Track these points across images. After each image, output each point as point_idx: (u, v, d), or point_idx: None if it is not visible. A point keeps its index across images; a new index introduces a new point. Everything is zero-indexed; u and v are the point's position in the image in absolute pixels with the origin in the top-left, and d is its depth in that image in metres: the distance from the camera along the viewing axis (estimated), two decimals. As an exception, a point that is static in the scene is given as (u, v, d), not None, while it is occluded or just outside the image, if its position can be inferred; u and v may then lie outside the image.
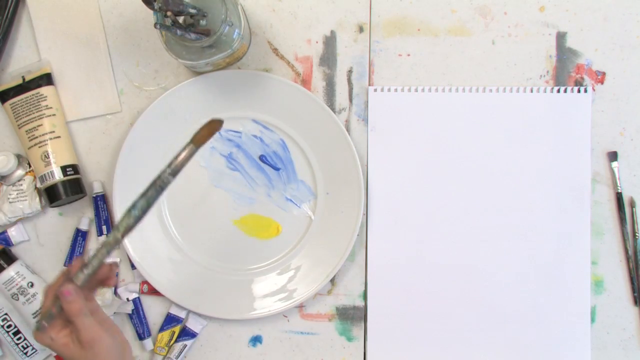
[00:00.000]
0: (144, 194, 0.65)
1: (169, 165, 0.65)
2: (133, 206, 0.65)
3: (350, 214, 0.83)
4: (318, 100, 0.83)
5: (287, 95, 0.83)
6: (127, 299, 0.85)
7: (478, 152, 0.84)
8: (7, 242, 0.85)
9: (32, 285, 0.84)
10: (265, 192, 0.85)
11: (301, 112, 0.83)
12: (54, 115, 0.83)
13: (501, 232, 0.83)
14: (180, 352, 0.84)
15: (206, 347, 0.86)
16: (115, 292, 0.85)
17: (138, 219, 0.64)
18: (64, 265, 0.85)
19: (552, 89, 0.83)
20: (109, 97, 0.86)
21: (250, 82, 0.83)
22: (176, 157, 0.66)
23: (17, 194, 0.83)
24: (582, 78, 0.84)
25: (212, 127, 0.67)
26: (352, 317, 0.85)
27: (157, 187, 0.65)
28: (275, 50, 0.85)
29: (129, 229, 0.64)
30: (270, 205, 0.85)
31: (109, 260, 0.65)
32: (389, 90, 0.84)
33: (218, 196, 0.85)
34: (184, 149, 0.66)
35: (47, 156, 0.82)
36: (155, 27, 0.71)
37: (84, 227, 0.85)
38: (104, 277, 0.69)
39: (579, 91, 0.83)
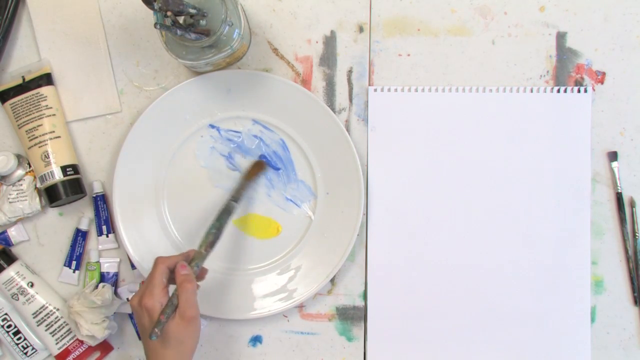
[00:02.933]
0: (217, 218, 0.78)
1: (232, 195, 0.81)
2: (211, 227, 0.77)
3: (350, 214, 0.83)
4: (318, 100, 0.83)
5: (287, 95, 0.83)
6: (127, 299, 0.85)
7: (478, 152, 0.84)
8: (7, 242, 0.85)
9: (32, 285, 0.84)
10: (265, 192, 0.85)
11: (301, 112, 0.83)
12: (54, 115, 0.83)
13: (501, 232, 0.83)
14: (180, 352, 0.84)
15: (206, 347, 0.86)
16: (116, 292, 0.85)
17: (216, 235, 0.77)
18: (65, 265, 0.85)
19: (552, 89, 0.83)
20: (109, 97, 0.86)
21: (250, 82, 0.83)
22: (236, 189, 0.81)
23: (17, 194, 0.83)
24: (582, 78, 0.84)
25: (260, 166, 0.84)
26: (352, 317, 0.85)
27: (226, 212, 0.79)
28: (275, 50, 0.85)
29: (210, 245, 0.76)
30: (270, 205, 0.85)
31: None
32: (389, 90, 0.84)
33: (218, 196, 0.84)
34: (239, 182, 0.82)
35: (47, 156, 0.82)
36: (155, 27, 0.71)
37: (84, 227, 0.85)
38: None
39: (579, 91, 0.83)
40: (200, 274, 0.77)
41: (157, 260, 0.74)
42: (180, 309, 0.71)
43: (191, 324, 0.71)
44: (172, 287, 0.74)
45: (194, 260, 0.75)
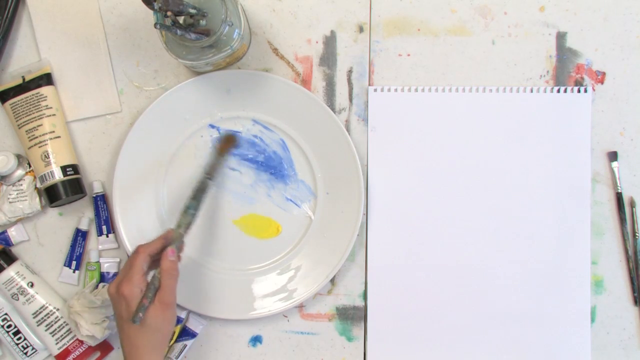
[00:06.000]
0: (192, 197, 0.78)
1: (206, 172, 0.80)
2: (187, 207, 0.77)
3: (350, 214, 0.83)
4: (318, 100, 0.83)
5: (287, 95, 0.83)
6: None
7: (478, 152, 0.84)
8: (7, 242, 0.85)
9: (32, 285, 0.84)
10: (265, 192, 0.85)
11: (301, 112, 0.83)
12: (54, 115, 0.83)
13: (501, 231, 0.83)
14: (180, 352, 0.84)
15: (206, 347, 0.86)
16: (115, 292, 0.85)
17: (193, 215, 0.77)
18: (65, 265, 0.85)
19: (552, 89, 0.83)
20: (109, 97, 0.86)
21: (250, 82, 0.83)
22: (209, 166, 0.81)
23: (17, 194, 0.83)
24: (582, 78, 0.84)
25: (230, 141, 0.83)
26: (352, 317, 0.85)
27: (201, 190, 0.78)
28: (275, 50, 0.85)
29: (188, 225, 0.77)
30: (270, 205, 0.85)
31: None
32: (389, 90, 0.84)
33: (218, 196, 0.85)
34: (212, 158, 0.82)
35: (47, 156, 0.82)
36: (155, 27, 0.71)
37: (84, 227, 0.85)
38: None
39: (579, 91, 0.83)
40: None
41: (138, 248, 0.74)
42: (161, 294, 0.71)
43: (169, 310, 0.72)
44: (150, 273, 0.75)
45: (174, 241, 0.75)
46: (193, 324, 0.84)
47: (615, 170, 0.83)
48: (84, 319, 0.81)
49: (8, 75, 0.85)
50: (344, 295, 0.85)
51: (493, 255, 0.83)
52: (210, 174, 0.80)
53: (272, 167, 0.84)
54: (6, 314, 0.84)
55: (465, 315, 0.83)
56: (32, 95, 0.83)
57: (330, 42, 0.85)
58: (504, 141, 0.83)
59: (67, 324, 0.84)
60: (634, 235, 0.83)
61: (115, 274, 0.85)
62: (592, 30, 0.84)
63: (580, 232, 0.83)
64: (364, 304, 0.85)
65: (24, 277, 0.84)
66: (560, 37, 0.84)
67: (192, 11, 0.72)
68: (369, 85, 0.85)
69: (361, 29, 0.85)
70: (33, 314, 0.83)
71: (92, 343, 0.83)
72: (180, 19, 0.73)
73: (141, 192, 0.84)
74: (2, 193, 0.84)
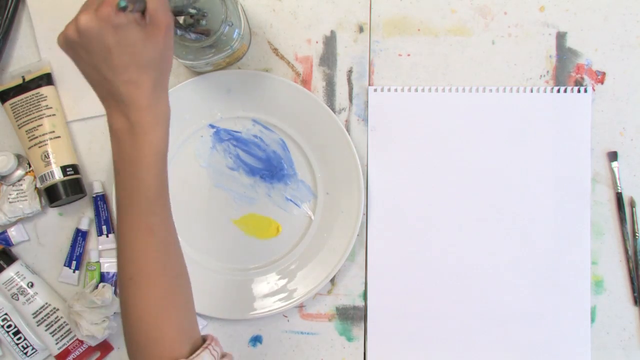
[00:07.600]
0: None
1: None
2: None
3: (350, 214, 0.83)
4: (318, 100, 0.83)
5: (287, 95, 0.83)
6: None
7: (478, 152, 0.84)
8: (7, 242, 0.85)
9: (32, 285, 0.84)
10: (265, 192, 0.85)
11: (301, 112, 0.83)
12: (54, 115, 0.83)
13: (501, 231, 0.83)
14: (180, 352, 0.84)
15: (206, 347, 0.86)
16: (116, 292, 0.85)
17: None
18: (65, 265, 0.85)
19: (552, 89, 0.83)
20: (109, 97, 0.85)
21: (250, 82, 0.83)
22: None
23: (17, 194, 0.83)
24: (582, 78, 0.84)
25: None
26: (352, 317, 0.85)
27: None
28: (275, 50, 0.85)
29: None
30: (270, 205, 0.85)
31: None
32: (389, 90, 0.84)
33: (218, 196, 0.85)
34: None
35: (47, 156, 0.82)
36: (155, 27, 0.71)
37: (84, 227, 0.85)
38: None
39: (579, 91, 0.83)
40: None
41: None
42: (151, 13, 0.57)
43: (168, 34, 0.58)
44: None
45: None
46: (193, 324, 0.84)
47: (615, 170, 0.83)
48: (84, 319, 0.80)
49: (8, 75, 0.85)
50: (344, 295, 0.85)
51: (493, 255, 0.83)
52: None
53: (272, 167, 0.84)
54: (6, 314, 0.84)
55: (465, 315, 0.83)
56: (32, 95, 0.83)
57: (330, 42, 0.85)
58: (504, 141, 0.83)
59: (67, 324, 0.84)
60: (634, 235, 0.83)
61: (115, 274, 0.85)
62: (592, 30, 0.84)
63: (580, 232, 0.83)
64: (364, 304, 0.85)
65: (24, 277, 0.84)
66: (560, 37, 0.84)
67: (192, 11, 0.72)
68: (369, 85, 0.85)
69: (361, 29, 0.85)
70: (33, 314, 0.83)
71: (92, 343, 0.83)
72: (180, 19, 0.73)
73: (141, 192, 0.84)
74: (2, 193, 0.84)
